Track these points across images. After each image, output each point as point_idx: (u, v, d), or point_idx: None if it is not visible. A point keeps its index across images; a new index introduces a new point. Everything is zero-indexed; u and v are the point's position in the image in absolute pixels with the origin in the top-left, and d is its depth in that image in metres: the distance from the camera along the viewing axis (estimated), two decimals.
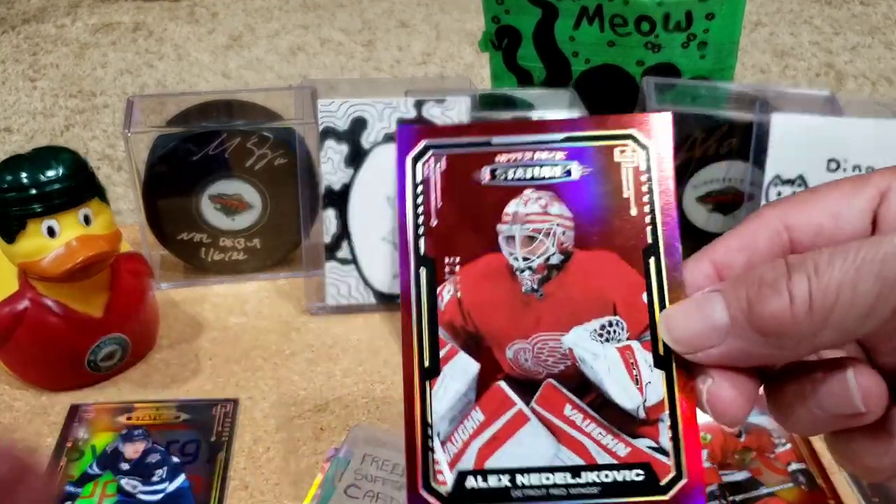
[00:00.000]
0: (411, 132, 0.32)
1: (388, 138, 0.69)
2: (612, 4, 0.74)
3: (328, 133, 0.69)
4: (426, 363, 0.29)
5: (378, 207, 0.70)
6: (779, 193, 0.69)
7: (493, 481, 0.28)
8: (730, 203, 0.75)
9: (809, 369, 0.28)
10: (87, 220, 0.59)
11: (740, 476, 0.55)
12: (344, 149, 0.69)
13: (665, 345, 0.29)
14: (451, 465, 0.28)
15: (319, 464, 0.57)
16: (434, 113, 0.69)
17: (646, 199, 0.30)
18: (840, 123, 0.68)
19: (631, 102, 0.76)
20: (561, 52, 0.78)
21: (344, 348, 0.68)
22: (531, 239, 0.30)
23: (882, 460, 0.27)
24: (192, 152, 0.71)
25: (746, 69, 1.15)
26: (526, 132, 0.31)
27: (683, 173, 0.74)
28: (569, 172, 0.31)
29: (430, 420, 0.29)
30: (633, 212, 0.30)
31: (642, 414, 0.28)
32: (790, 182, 0.68)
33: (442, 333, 0.30)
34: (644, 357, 0.29)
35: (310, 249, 0.72)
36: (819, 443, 0.58)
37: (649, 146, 0.31)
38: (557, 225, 0.30)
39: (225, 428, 0.60)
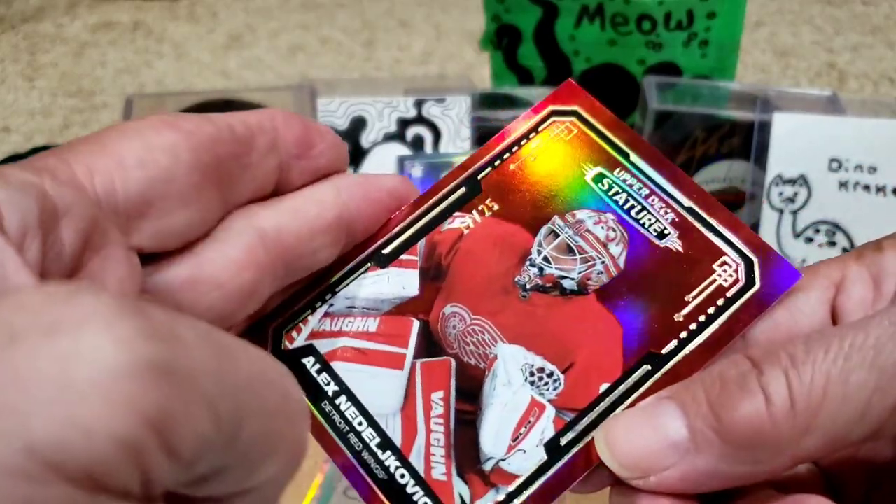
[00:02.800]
0: (574, 90, 0.29)
1: (388, 138, 0.69)
2: (613, 3, 0.74)
3: None
4: (385, 251, 0.27)
5: None
6: (780, 193, 0.68)
7: (322, 379, 0.25)
8: (731, 202, 0.75)
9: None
10: None
11: None
12: None
13: (571, 440, 0.24)
14: (312, 336, 0.26)
15: (319, 464, 0.57)
16: (434, 112, 0.69)
17: (702, 319, 0.25)
18: (842, 123, 0.67)
19: (632, 102, 0.75)
20: (562, 51, 0.78)
21: None
22: (569, 250, 0.27)
23: None
24: None
25: (748, 69, 1.15)
26: (665, 175, 0.28)
27: (685, 172, 0.74)
28: (662, 236, 0.27)
29: (337, 292, 0.27)
30: (679, 318, 0.25)
31: (488, 467, 0.24)
32: (791, 181, 0.68)
33: (421, 245, 0.27)
34: (543, 427, 0.25)
35: None
36: None
37: (758, 284, 0.26)
38: (602, 263, 0.27)
39: None
